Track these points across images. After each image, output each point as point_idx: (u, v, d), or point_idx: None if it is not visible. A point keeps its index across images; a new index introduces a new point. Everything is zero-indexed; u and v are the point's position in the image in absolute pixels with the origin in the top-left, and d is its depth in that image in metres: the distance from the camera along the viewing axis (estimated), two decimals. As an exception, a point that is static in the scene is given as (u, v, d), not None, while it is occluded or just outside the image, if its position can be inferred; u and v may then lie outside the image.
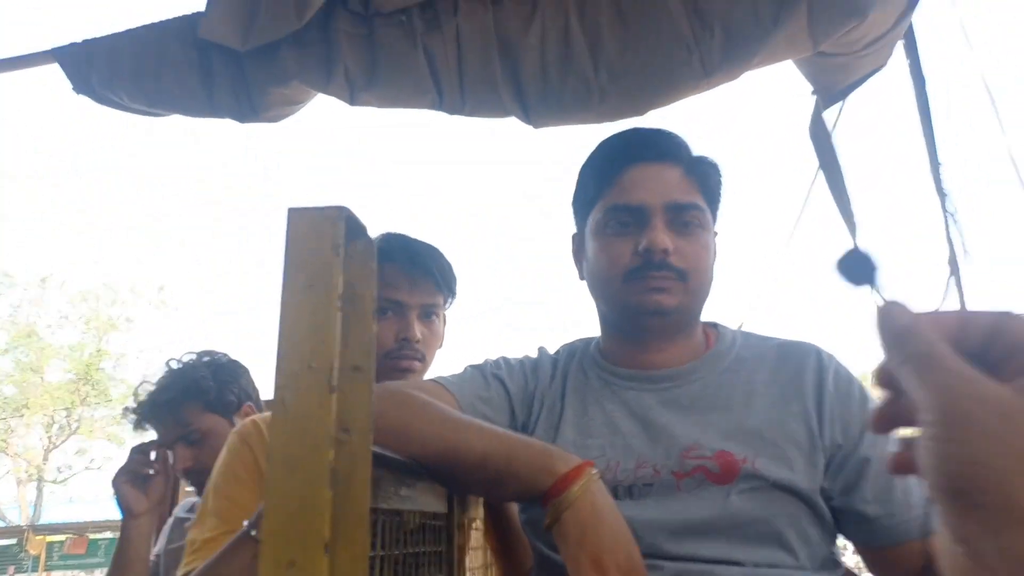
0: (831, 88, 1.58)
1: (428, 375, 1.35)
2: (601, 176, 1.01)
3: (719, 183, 1.02)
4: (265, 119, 1.50)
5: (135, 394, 1.58)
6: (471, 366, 1.07)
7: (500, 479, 0.81)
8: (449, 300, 1.40)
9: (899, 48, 1.75)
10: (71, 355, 18.35)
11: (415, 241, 1.38)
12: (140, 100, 1.45)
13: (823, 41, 1.36)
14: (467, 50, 1.36)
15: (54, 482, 18.80)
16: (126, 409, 1.59)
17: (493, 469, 0.80)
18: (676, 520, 0.87)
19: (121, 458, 1.58)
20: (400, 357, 1.28)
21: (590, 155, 1.06)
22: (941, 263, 2.09)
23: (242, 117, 1.48)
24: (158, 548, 1.65)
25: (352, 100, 1.42)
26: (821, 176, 1.87)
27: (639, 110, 1.43)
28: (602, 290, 1.01)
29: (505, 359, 1.08)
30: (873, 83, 1.64)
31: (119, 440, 18.28)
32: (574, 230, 1.10)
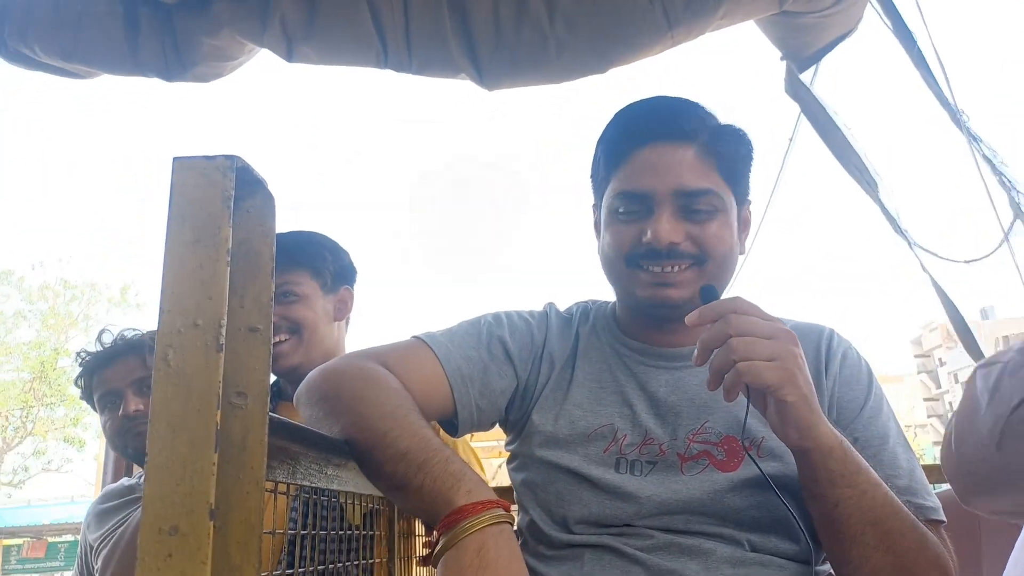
0: (801, 52, 1.52)
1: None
2: (612, 156, 0.97)
3: (746, 155, 0.97)
4: (194, 77, 1.40)
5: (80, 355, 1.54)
6: (466, 322, 1.04)
7: (407, 484, 0.77)
8: (317, 272, 1.37)
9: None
10: (27, 353, 17.81)
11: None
12: (55, 54, 1.35)
13: (790, -7, 1.30)
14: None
15: (10, 484, 18.36)
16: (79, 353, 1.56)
17: (404, 471, 0.77)
18: (674, 500, 0.88)
19: (80, 460, 1.54)
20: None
21: (604, 128, 1.02)
22: (988, 215, 1.92)
23: (169, 75, 1.39)
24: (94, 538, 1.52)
25: (289, 55, 1.32)
26: (793, 145, 1.79)
27: (600, 67, 1.36)
28: (610, 274, 1.00)
29: (507, 314, 1.05)
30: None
31: (79, 442, 17.88)
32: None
